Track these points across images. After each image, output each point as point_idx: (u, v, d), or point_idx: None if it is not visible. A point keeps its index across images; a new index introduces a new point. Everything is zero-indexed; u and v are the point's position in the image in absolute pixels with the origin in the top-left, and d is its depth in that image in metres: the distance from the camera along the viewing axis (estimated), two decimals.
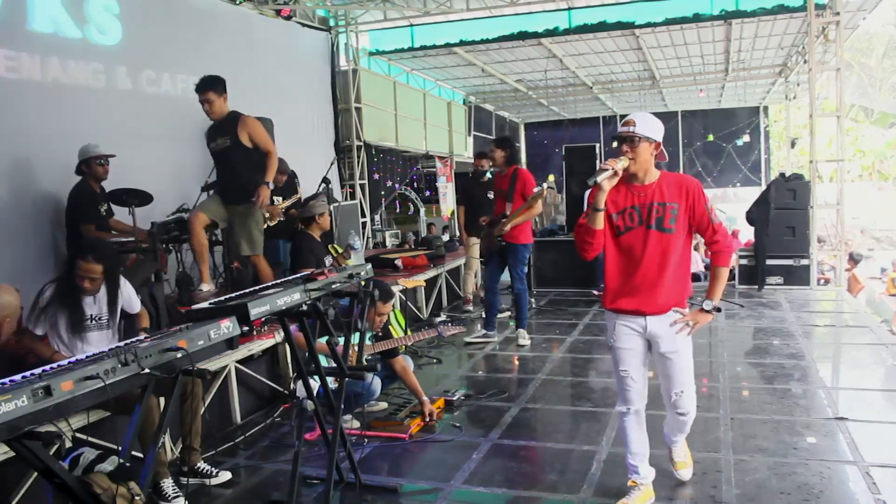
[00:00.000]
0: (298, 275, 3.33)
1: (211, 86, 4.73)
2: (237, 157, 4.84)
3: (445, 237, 11.30)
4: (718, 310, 2.86)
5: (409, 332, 5.35)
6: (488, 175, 7.30)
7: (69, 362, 1.87)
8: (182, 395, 3.36)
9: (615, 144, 2.83)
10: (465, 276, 7.87)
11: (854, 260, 11.12)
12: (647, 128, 2.78)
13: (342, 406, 3.17)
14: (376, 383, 4.17)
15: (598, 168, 2.78)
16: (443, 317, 7.54)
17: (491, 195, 7.04)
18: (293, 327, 3.28)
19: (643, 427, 3.02)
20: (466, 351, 6.12)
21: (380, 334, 4.35)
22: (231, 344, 2.32)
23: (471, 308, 7.72)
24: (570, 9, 10.50)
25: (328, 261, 5.23)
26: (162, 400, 3.04)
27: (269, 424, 4.38)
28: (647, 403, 3.02)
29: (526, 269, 6.22)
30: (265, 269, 5.12)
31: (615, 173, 2.73)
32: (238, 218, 4.97)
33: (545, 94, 16.01)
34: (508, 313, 6.88)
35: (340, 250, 5.50)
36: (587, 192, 2.80)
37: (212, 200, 5.04)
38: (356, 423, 4.05)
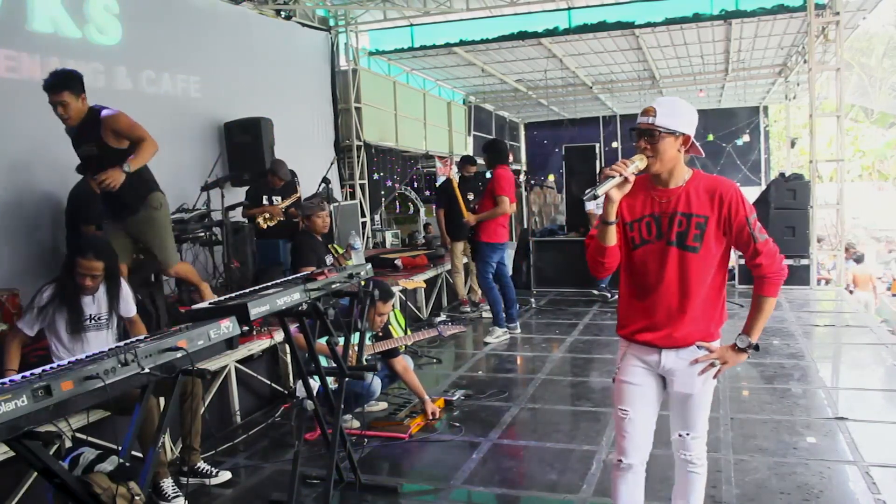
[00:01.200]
0: (298, 275, 3.33)
1: (67, 84, 3.79)
2: (110, 164, 3.90)
3: None
4: (756, 348, 2.29)
5: (408, 332, 5.36)
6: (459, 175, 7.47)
7: (69, 362, 1.87)
8: (182, 395, 3.36)
9: (633, 138, 2.33)
10: (454, 280, 7.82)
11: (855, 260, 11.16)
12: (671, 117, 2.24)
13: (342, 406, 3.17)
14: (376, 383, 4.17)
15: (601, 173, 2.36)
16: (443, 317, 7.54)
17: (471, 196, 7.11)
18: (293, 327, 3.29)
19: (640, 488, 2.45)
20: (467, 351, 6.12)
21: (380, 334, 4.35)
22: (231, 344, 2.32)
23: (468, 309, 7.72)
24: (570, 9, 10.49)
25: (329, 260, 5.23)
26: (162, 400, 3.04)
27: (269, 424, 4.38)
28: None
29: (490, 268, 6.24)
30: (187, 272, 4.44)
31: (625, 180, 2.20)
32: (141, 229, 4.12)
33: (545, 94, 16.00)
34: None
35: (341, 251, 5.50)
36: (586, 193, 2.41)
37: (113, 237, 4.08)
38: (356, 423, 4.05)
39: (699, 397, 2.34)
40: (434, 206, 8.27)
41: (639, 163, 2.24)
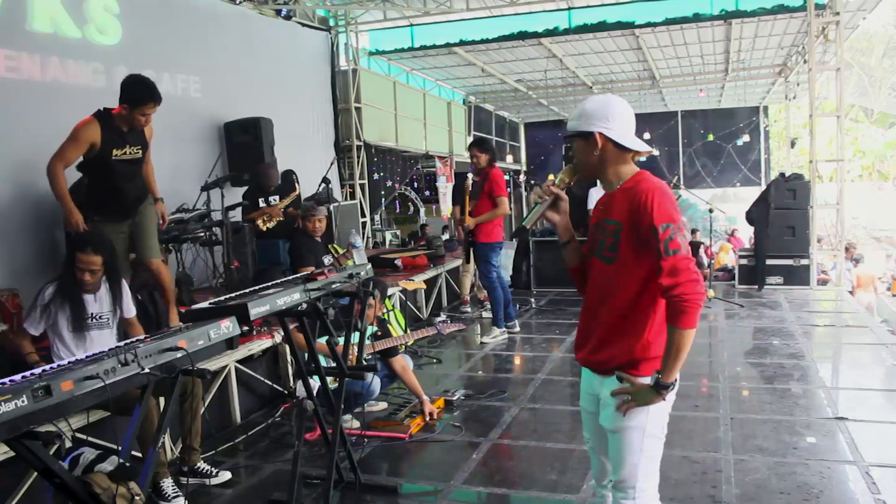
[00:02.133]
0: (298, 275, 3.33)
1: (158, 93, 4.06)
2: (141, 168, 4.31)
3: (445, 237, 11.31)
4: (668, 387, 1.93)
5: (408, 332, 5.36)
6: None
7: (69, 362, 1.87)
8: (182, 395, 3.36)
9: None
10: (461, 278, 7.89)
11: (855, 260, 11.15)
12: (578, 120, 2.02)
13: (342, 406, 3.17)
14: (376, 383, 4.17)
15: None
16: (443, 317, 7.54)
17: None
18: (293, 327, 3.28)
19: None
20: (467, 351, 6.12)
21: (379, 334, 4.35)
22: (231, 344, 2.32)
23: (468, 309, 7.73)
24: (570, 9, 10.51)
25: (327, 260, 5.23)
26: (162, 400, 3.04)
27: (269, 424, 4.38)
28: None
29: (494, 268, 6.25)
30: (166, 273, 4.48)
31: (555, 199, 2.08)
32: (142, 219, 4.27)
33: (545, 94, 16.02)
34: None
35: (341, 251, 5.49)
36: (514, 230, 2.26)
37: (115, 239, 3.96)
38: (356, 423, 4.05)
39: (624, 438, 1.99)
40: (433, 206, 8.27)
41: (563, 176, 2.10)
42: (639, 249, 1.93)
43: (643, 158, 2.11)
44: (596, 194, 7.44)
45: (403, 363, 4.32)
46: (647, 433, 1.99)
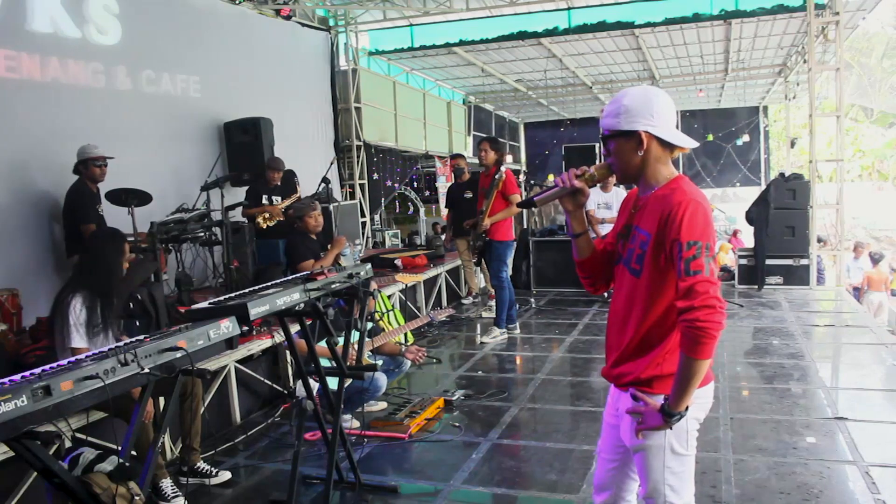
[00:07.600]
0: (298, 275, 3.33)
1: None
2: None
3: (444, 237, 11.29)
4: (677, 416, 1.79)
5: (402, 324, 5.38)
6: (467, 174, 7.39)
7: (69, 362, 1.87)
8: (182, 395, 3.35)
9: None
10: (467, 274, 8.03)
11: (875, 260, 11.03)
12: (615, 117, 1.86)
13: (342, 405, 3.17)
14: (382, 379, 4.17)
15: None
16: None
17: (468, 195, 7.01)
18: (293, 330, 3.28)
19: None
20: (467, 351, 6.12)
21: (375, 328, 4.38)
22: (230, 344, 2.32)
23: (479, 300, 7.78)
24: (569, 9, 10.51)
25: None
26: (162, 400, 3.03)
27: (269, 424, 4.38)
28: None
29: (506, 267, 6.25)
30: None
31: (571, 191, 1.96)
32: None
33: (545, 93, 16.02)
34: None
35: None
36: (523, 199, 2.11)
37: None
38: (356, 423, 4.05)
39: (647, 457, 1.89)
40: (434, 206, 8.31)
41: (595, 172, 1.97)
42: (666, 265, 1.80)
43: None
44: (595, 196, 7.42)
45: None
46: (671, 450, 1.87)
